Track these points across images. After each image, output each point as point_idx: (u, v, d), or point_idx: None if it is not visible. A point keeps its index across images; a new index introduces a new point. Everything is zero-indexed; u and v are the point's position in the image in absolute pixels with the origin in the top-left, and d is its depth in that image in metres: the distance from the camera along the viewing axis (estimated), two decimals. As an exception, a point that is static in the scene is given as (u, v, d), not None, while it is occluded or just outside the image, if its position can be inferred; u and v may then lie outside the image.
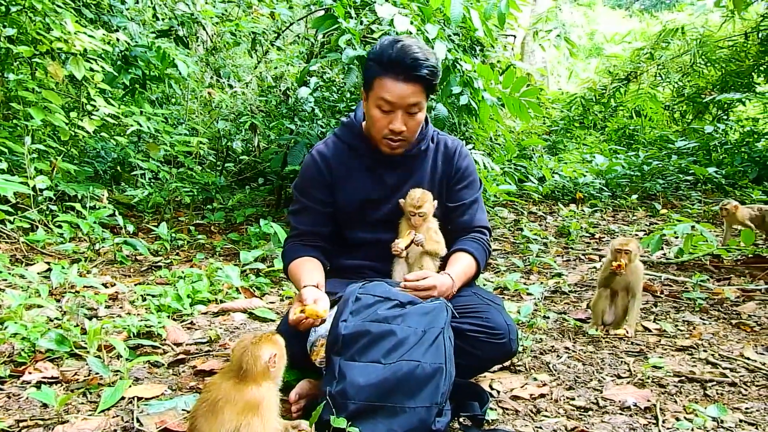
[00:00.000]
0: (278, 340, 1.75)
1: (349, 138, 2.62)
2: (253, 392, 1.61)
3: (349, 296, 2.17)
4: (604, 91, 10.83)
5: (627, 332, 3.15)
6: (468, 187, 2.68)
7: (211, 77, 7.34)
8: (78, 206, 4.50)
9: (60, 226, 4.61)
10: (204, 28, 7.00)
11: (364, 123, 2.60)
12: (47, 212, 4.70)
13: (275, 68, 6.47)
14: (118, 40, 5.00)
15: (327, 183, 2.58)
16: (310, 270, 2.48)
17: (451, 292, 2.38)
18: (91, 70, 4.81)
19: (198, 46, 7.70)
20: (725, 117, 10.05)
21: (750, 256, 4.68)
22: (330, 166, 2.58)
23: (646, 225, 6.43)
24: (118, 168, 6.74)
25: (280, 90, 6.38)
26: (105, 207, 4.68)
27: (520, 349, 2.91)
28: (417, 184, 2.56)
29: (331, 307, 2.25)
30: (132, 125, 5.29)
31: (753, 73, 9.59)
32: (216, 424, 1.57)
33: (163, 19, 6.63)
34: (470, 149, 5.90)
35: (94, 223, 4.47)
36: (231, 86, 6.92)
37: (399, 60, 2.30)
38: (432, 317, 2.10)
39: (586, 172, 8.45)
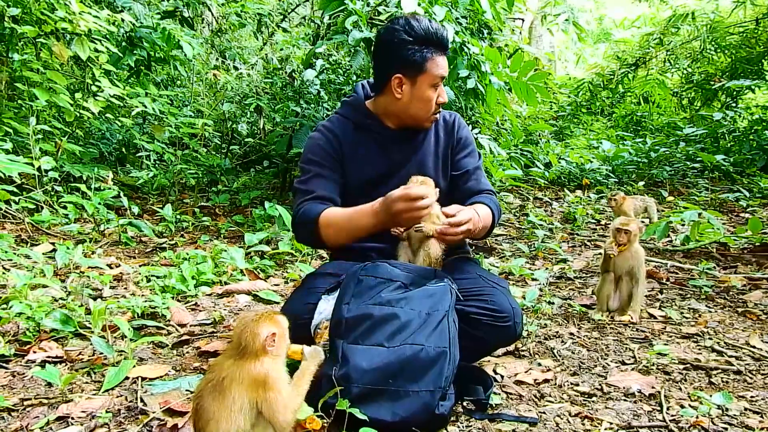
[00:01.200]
0: (279, 319, 1.72)
1: (354, 116, 2.63)
2: (257, 368, 1.60)
3: (351, 278, 2.15)
4: (612, 77, 10.75)
5: (632, 318, 3.14)
6: (470, 155, 2.75)
7: (217, 59, 7.31)
8: (83, 187, 4.50)
9: (65, 207, 4.61)
10: (209, 9, 6.97)
11: (368, 101, 2.65)
12: (52, 193, 4.70)
13: (281, 50, 6.43)
14: (122, 20, 4.98)
15: (338, 156, 2.56)
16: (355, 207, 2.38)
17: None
18: (96, 50, 4.79)
19: (203, 27, 7.67)
20: (734, 104, 9.96)
21: (757, 244, 4.65)
22: (339, 141, 2.58)
23: (652, 212, 6.39)
24: (123, 149, 6.74)
25: (286, 72, 6.35)
26: (110, 188, 4.68)
27: (525, 334, 2.90)
28: (424, 156, 2.62)
29: (334, 290, 2.25)
30: (137, 107, 5.28)
31: (763, 60, 9.49)
32: (225, 402, 1.56)
33: (168, 0, 6.59)
34: (476, 134, 5.87)
35: (99, 204, 4.47)
36: (236, 68, 6.90)
37: (441, 36, 2.46)
38: (436, 300, 2.09)
39: (593, 158, 8.41)
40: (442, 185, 2.62)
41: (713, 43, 9.84)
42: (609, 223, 5.92)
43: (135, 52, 5.63)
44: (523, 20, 8.96)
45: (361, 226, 2.33)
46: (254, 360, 1.61)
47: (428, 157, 2.63)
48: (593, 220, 6.03)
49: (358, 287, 2.11)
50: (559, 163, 8.08)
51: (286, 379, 1.65)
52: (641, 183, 7.52)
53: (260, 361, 1.61)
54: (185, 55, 5.77)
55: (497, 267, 4.22)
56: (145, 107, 5.32)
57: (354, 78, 5.82)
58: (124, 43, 5.59)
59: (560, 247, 4.80)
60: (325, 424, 1.87)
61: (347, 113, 2.65)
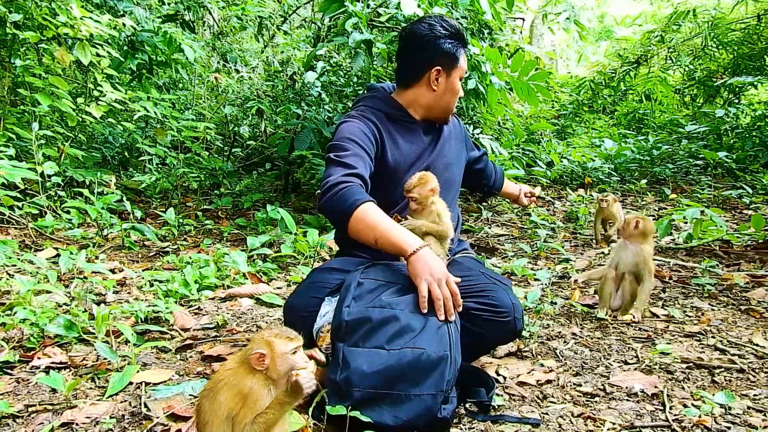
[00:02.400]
0: (276, 345, 1.64)
1: (385, 107, 2.68)
2: (246, 381, 1.60)
3: (351, 281, 2.16)
4: (613, 75, 10.73)
5: (633, 317, 3.14)
6: (475, 149, 3.17)
7: (218, 62, 7.33)
8: (86, 192, 4.52)
9: (68, 212, 4.63)
10: (210, 13, 6.98)
11: (392, 93, 2.75)
12: (55, 198, 4.72)
13: (282, 52, 6.45)
14: (124, 25, 4.99)
15: (377, 140, 2.58)
16: (398, 225, 2.31)
17: None
18: (98, 55, 4.81)
19: (204, 30, 7.69)
20: (736, 101, 9.92)
21: (760, 241, 4.63)
22: (378, 127, 2.60)
23: (655, 210, 6.38)
24: (126, 153, 6.76)
25: (287, 74, 6.36)
26: (113, 193, 4.70)
27: (527, 335, 2.91)
28: (446, 144, 2.79)
29: (336, 292, 2.26)
30: (139, 111, 5.30)
31: (765, 56, 9.45)
32: (214, 406, 1.58)
33: (169, 4, 6.61)
34: (478, 133, 5.87)
35: (102, 208, 4.49)
36: (238, 71, 6.91)
37: (464, 33, 2.66)
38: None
39: (595, 156, 8.39)
40: (455, 176, 2.85)
41: (715, 39, 9.81)
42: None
43: (137, 56, 5.66)
44: (523, 19, 8.95)
45: (387, 245, 2.23)
46: (249, 373, 1.61)
47: (446, 147, 2.78)
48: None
49: (358, 290, 2.12)
50: (561, 162, 8.06)
51: (265, 404, 1.60)
52: (644, 181, 7.50)
53: (254, 376, 1.61)
54: (187, 58, 5.80)
55: (499, 267, 4.22)
56: (147, 111, 5.33)
57: (355, 80, 5.82)
58: (125, 48, 5.61)
59: (563, 247, 4.79)
60: (316, 426, 1.88)
61: (376, 105, 2.69)
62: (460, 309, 2.13)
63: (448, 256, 2.61)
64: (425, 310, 2.05)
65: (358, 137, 2.50)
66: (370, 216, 2.24)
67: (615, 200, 4.89)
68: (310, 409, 1.88)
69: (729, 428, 2.02)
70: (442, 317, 2.06)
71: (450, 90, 2.65)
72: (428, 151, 2.70)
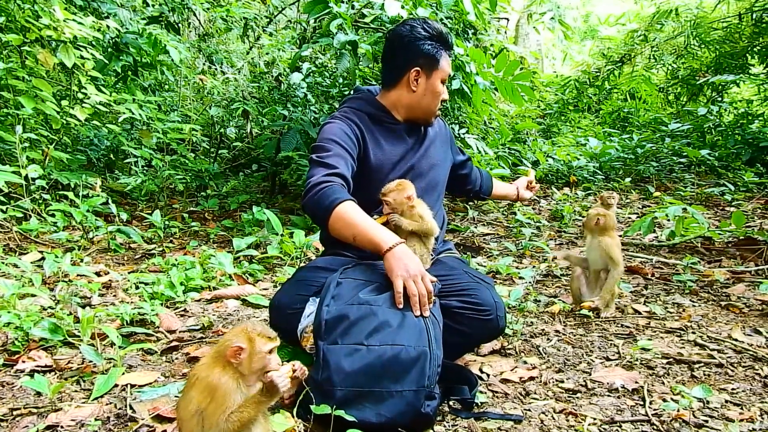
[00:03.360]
0: (257, 341, 1.64)
1: (367, 108, 2.72)
2: (215, 375, 1.59)
3: (331, 282, 2.19)
4: (598, 74, 10.80)
5: (593, 303, 3.18)
6: (460, 154, 3.20)
7: (204, 63, 7.31)
8: (71, 195, 4.50)
9: (53, 215, 4.61)
10: (195, 14, 6.96)
11: (377, 96, 2.78)
12: (40, 201, 4.70)
13: (267, 54, 6.45)
14: (108, 27, 4.98)
15: (359, 141, 2.62)
16: (376, 223, 2.36)
17: None
18: (82, 57, 4.79)
19: (189, 32, 7.67)
20: (719, 99, 10.03)
21: (741, 237, 4.70)
22: (360, 128, 2.64)
23: (639, 208, 6.45)
24: (111, 156, 6.73)
25: (273, 76, 6.36)
26: (98, 195, 4.68)
27: (511, 332, 2.94)
28: (431, 145, 2.83)
29: (319, 294, 2.28)
30: (124, 113, 5.28)
31: (747, 55, 9.55)
32: (186, 400, 1.58)
33: (153, 5, 6.59)
34: (464, 133, 5.90)
35: (87, 211, 4.47)
36: (223, 72, 6.91)
37: (448, 36, 2.70)
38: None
39: (580, 155, 8.45)
40: (440, 177, 2.88)
41: (697, 38, 9.90)
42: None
43: (121, 58, 5.64)
44: (508, 20, 9.00)
45: (364, 243, 2.29)
46: (220, 367, 1.61)
47: (431, 149, 2.81)
48: (581, 218, 6.07)
49: (337, 290, 2.15)
50: (547, 161, 8.12)
51: (234, 401, 1.58)
52: (628, 179, 7.58)
53: (224, 370, 1.60)
54: (172, 60, 5.78)
55: (484, 266, 4.26)
56: (133, 113, 5.32)
57: (340, 81, 5.84)
58: (110, 50, 5.59)
59: (547, 245, 4.83)
60: (303, 426, 1.89)
61: (360, 106, 2.73)
62: (435, 305, 2.16)
63: (432, 256, 2.64)
64: (401, 306, 2.09)
65: (339, 138, 2.54)
66: (349, 214, 2.29)
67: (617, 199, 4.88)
68: (295, 409, 1.89)
69: (707, 422, 2.06)
70: (417, 313, 2.09)
71: (431, 92, 2.69)
72: (412, 152, 2.74)
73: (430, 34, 2.63)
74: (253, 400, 1.60)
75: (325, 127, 2.63)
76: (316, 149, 2.55)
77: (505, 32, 8.10)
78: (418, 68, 2.63)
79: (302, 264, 4.25)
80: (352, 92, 2.96)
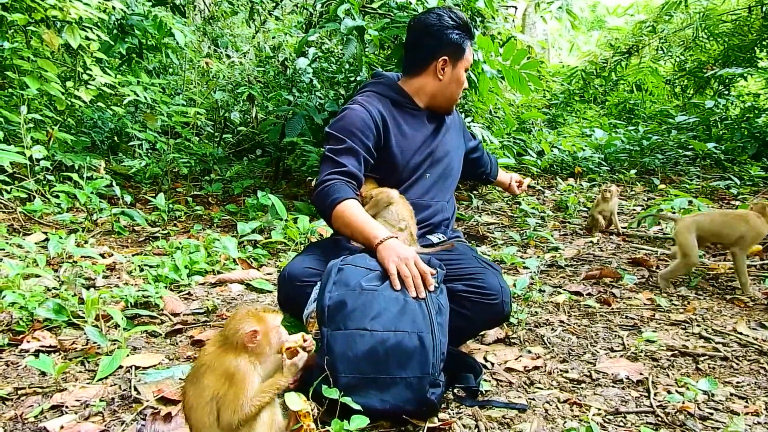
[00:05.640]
0: (268, 319, 1.67)
1: (391, 93, 2.71)
2: (230, 362, 1.58)
3: (332, 268, 2.19)
4: (605, 65, 10.75)
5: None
6: (472, 139, 3.19)
7: (209, 47, 7.27)
8: (75, 176, 4.49)
9: (57, 197, 4.60)
10: (201, -3, 6.91)
11: (399, 81, 2.78)
12: (44, 182, 4.69)
13: (273, 38, 6.41)
14: (113, 8, 4.93)
15: (377, 132, 2.59)
16: (371, 218, 2.43)
17: None
18: (87, 38, 4.76)
19: (195, 14, 7.62)
20: (726, 92, 9.97)
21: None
22: (383, 115, 2.62)
23: (644, 200, 6.43)
24: (116, 138, 6.71)
25: (278, 60, 6.32)
26: (102, 177, 4.67)
27: (515, 322, 2.93)
28: (449, 132, 2.84)
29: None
30: (129, 95, 5.25)
31: (755, 48, 9.50)
32: (198, 389, 1.57)
33: (159, -13, 6.53)
34: (470, 122, 5.87)
35: (92, 193, 4.46)
36: (228, 56, 6.87)
37: (471, 26, 2.70)
38: None
39: (585, 146, 8.42)
40: (454, 165, 2.87)
41: (706, 30, 9.83)
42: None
43: (126, 39, 5.60)
44: (516, 8, 8.93)
45: (360, 239, 2.38)
46: (233, 353, 1.60)
47: (447, 137, 2.81)
48: (585, 209, 6.06)
49: (339, 275, 2.14)
50: (552, 151, 8.09)
51: (253, 383, 1.60)
52: (633, 171, 7.55)
53: (238, 356, 1.60)
54: (177, 42, 5.74)
55: (489, 255, 4.25)
56: (137, 96, 5.29)
57: (347, 66, 5.80)
58: (115, 31, 5.55)
59: (552, 236, 4.82)
60: (317, 410, 1.89)
61: (383, 91, 2.72)
62: (432, 288, 2.17)
63: (439, 240, 2.65)
64: (398, 287, 2.11)
65: (357, 127, 2.54)
66: (347, 213, 2.38)
67: (618, 190, 4.91)
68: (310, 391, 1.89)
69: (711, 414, 2.05)
70: (413, 294, 2.11)
71: (455, 80, 2.70)
72: (431, 138, 2.74)
73: (457, 24, 2.63)
74: (274, 383, 1.63)
75: (346, 112, 2.61)
76: (330, 138, 2.57)
77: (513, 21, 8.03)
78: (446, 57, 2.63)
79: (312, 241, 4.25)
80: (371, 77, 2.95)
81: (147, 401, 2.08)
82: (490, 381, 2.34)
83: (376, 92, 2.71)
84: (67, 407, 2.05)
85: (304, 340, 1.71)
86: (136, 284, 3.35)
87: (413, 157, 2.66)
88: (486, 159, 3.29)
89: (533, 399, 2.19)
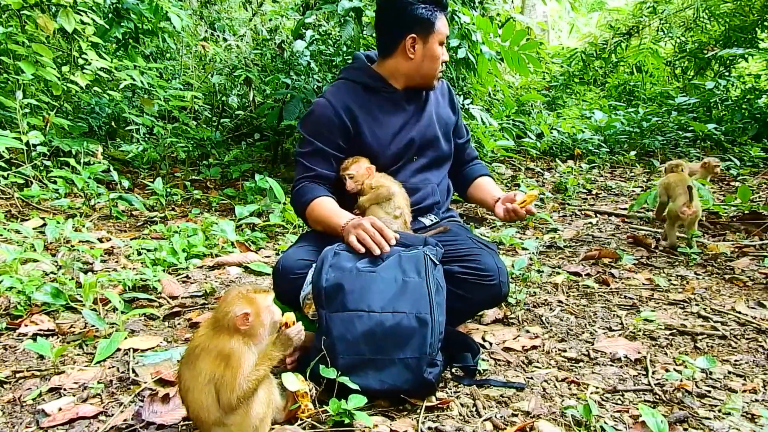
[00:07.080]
0: (258, 300, 1.67)
1: (363, 78, 2.65)
2: (225, 343, 1.59)
3: (328, 252, 2.18)
4: (605, 46, 10.68)
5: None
6: (463, 123, 3.01)
7: (206, 30, 7.22)
8: (72, 162, 4.47)
9: (54, 182, 4.59)
10: (197, -20, 6.85)
11: (373, 65, 2.69)
12: (41, 168, 4.67)
13: (270, 21, 6.36)
14: (108, -9, 4.89)
15: (345, 128, 2.55)
16: (338, 208, 2.47)
17: None
18: (82, 22, 4.72)
19: (191, -2, 7.55)
20: (727, 73, 9.91)
21: (746, 212, 4.67)
22: (350, 109, 2.56)
23: (643, 181, 6.42)
24: (113, 123, 6.67)
25: (276, 43, 6.28)
26: (100, 162, 4.65)
27: (514, 302, 2.93)
28: (431, 113, 2.72)
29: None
30: (125, 80, 5.22)
31: (756, 29, 9.43)
32: (194, 372, 1.58)
33: (154, -30, 6.47)
34: (468, 104, 5.84)
35: (89, 178, 4.45)
36: (225, 40, 6.82)
37: None
38: (410, 267, 2.12)
39: (585, 128, 8.39)
40: (444, 145, 2.75)
41: (707, 11, 9.75)
42: (599, 193, 5.95)
43: (122, 24, 5.56)
44: (515, -11, 8.87)
45: (331, 232, 2.40)
46: (226, 335, 1.60)
47: (434, 115, 2.73)
48: (584, 190, 6.04)
49: (335, 259, 2.14)
50: (551, 133, 8.06)
51: (249, 362, 1.61)
52: (633, 153, 7.53)
53: (232, 337, 1.60)
54: (173, 26, 5.70)
55: (488, 237, 4.24)
56: (134, 80, 5.26)
57: (344, 48, 5.76)
58: (110, 15, 5.51)
59: (551, 217, 4.81)
60: (315, 390, 1.89)
61: (355, 76, 2.66)
62: (393, 242, 2.19)
63: (432, 222, 2.63)
64: (361, 251, 2.16)
65: (324, 126, 2.55)
66: (316, 210, 2.47)
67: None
68: (308, 372, 1.89)
69: (709, 392, 2.06)
70: (377, 252, 2.15)
71: (429, 57, 2.59)
72: (412, 121, 2.66)
73: None
74: (266, 356, 1.65)
75: (312, 108, 2.61)
76: (301, 139, 2.64)
77: (512, 1, 7.97)
78: (413, 35, 2.53)
79: (305, 231, 4.25)
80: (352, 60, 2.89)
81: (145, 383, 2.09)
82: (488, 360, 2.34)
83: (347, 79, 2.67)
84: (65, 390, 2.05)
85: (293, 323, 1.71)
86: (134, 268, 3.35)
87: (392, 143, 2.59)
88: (467, 157, 3.00)
89: (531, 378, 2.19)
